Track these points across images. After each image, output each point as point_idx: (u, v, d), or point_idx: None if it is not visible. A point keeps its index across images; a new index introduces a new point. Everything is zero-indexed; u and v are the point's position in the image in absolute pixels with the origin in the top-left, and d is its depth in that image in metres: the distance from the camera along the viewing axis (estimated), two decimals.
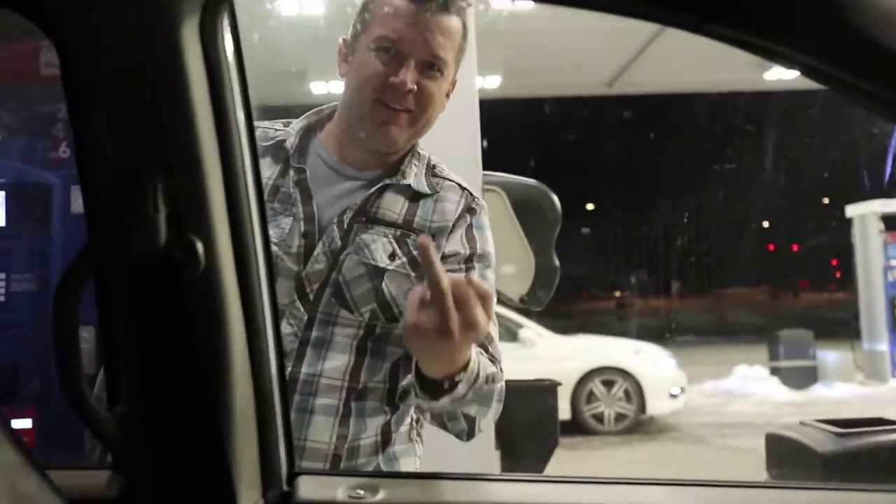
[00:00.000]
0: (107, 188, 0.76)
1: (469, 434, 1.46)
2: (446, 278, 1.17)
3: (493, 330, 1.53)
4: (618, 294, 25.19)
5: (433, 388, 1.34)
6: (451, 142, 1.78)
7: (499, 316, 1.52)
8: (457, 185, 1.59)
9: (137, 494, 0.83)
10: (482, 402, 1.40)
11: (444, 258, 1.52)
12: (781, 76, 11.46)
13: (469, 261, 1.52)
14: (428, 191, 1.56)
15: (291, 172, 1.54)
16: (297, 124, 1.59)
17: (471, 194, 1.58)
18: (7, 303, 2.30)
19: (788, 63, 0.74)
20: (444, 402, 1.34)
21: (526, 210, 2.62)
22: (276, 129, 1.59)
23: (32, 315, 2.30)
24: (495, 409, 1.46)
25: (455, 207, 1.55)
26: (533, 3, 8.84)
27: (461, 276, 1.49)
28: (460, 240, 1.53)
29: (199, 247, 0.76)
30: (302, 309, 1.48)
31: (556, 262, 2.69)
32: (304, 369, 1.47)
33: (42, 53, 2.47)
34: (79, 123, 0.77)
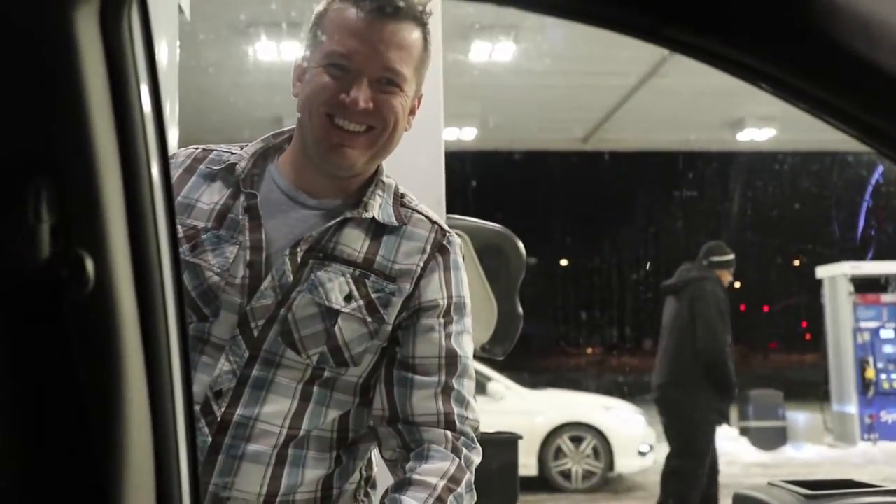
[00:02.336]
0: None
1: None
2: None
3: (474, 404, 1.44)
4: (589, 350, 25.14)
5: None
6: (414, 181, 1.68)
7: None
8: (426, 219, 1.46)
9: None
10: None
11: (420, 309, 1.41)
12: (754, 137, 11.57)
13: (447, 313, 1.42)
14: (395, 222, 1.44)
15: (241, 197, 1.42)
16: (251, 147, 1.48)
17: (441, 230, 1.46)
18: None
19: (752, 77, 0.66)
20: None
21: (490, 256, 2.54)
22: (231, 153, 1.47)
23: None
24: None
25: (423, 247, 1.43)
26: (508, 57, 8.90)
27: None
28: (439, 287, 1.42)
29: (90, 263, 0.66)
30: (244, 345, 1.36)
31: (520, 311, 2.60)
32: (239, 411, 1.35)
33: None
34: None
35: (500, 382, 9.19)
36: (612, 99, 10.38)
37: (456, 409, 1.40)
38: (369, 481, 1.51)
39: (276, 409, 1.36)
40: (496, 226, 2.68)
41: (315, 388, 1.39)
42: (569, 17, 0.70)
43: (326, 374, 1.39)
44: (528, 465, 8.50)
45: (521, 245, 2.65)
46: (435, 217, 1.49)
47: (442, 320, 1.41)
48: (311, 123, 1.40)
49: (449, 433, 1.38)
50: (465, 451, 1.38)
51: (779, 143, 12.29)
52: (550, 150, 14.28)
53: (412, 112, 1.47)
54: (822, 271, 12.64)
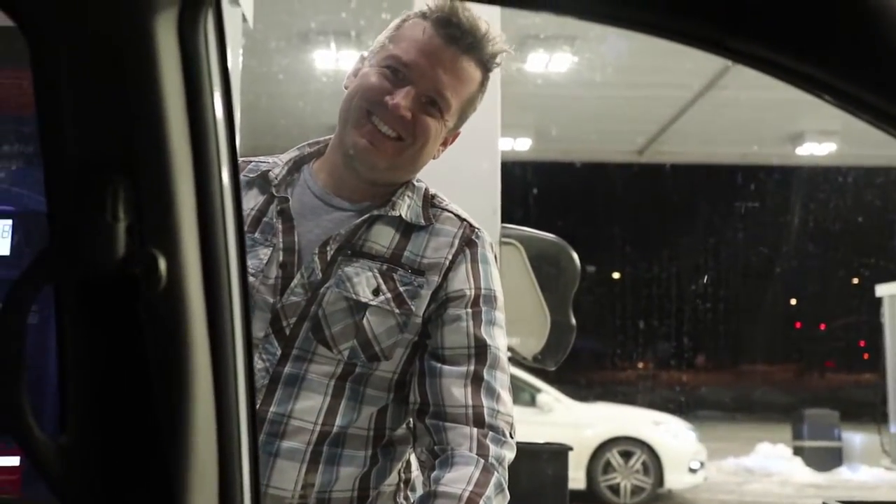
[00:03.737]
0: (67, 192, 0.69)
1: None
2: None
3: (507, 398, 1.44)
4: (641, 364, 24.93)
5: None
6: (470, 190, 1.70)
7: (516, 379, 1.46)
8: (455, 217, 1.49)
9: None
10: None
11: (447, 300, 1.43)
12: (814, 151, 11.40)
13: (475, 303, 1.43)
14: (422, 222, 1.46)
15: (275, 202, 1.46)
16: (286, 155, 1.52)
17: (470, 226, 1.48)
18: None
19: (817, 88, 0.66)
20: None
21: (544, 265, 2.54)
22: (267, 162, 1.52)
23: (31, 347, 2.21)
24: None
25: (451, 241, 1.45)
26: (565, 67, 8.88)
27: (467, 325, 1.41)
28: (466, 278, 1.44)
29: (162, 262, 0.68)
30: (276, 343, 1.39)
31: (573, 321, 2.59)
32: (272, 408, 1.38)
33: None
34: (45, 118, 0.70)
35: (549, 394, 9.15)
36: (670, 111, 10.31)
37: (485, 402, 1.40)
38: (409, 484, 1.53)
39: (308, 406, 1.38)
40: (551, 236, 2.68)
41: (347, 384, 1.41)
42: (633, 28, 0.70)
43: (358, 369, 1.41)
44: (576, 478, 8.45)
45: (575, 256, 2.64)
46: (464, 215, 1.51)
47: (469, 310, 1.42)
48: (348, 116, 1.44)
49: (475, 430, 1.37)
50: (493, 447, 1.37)
51: (839, 157, 12.09)
52: (606, 162, 14.20)
53: (444, 144, 1.50)
54: (882, 289, 12.38)
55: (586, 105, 10.09)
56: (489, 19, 1.43)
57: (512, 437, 1.41)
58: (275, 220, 1.45)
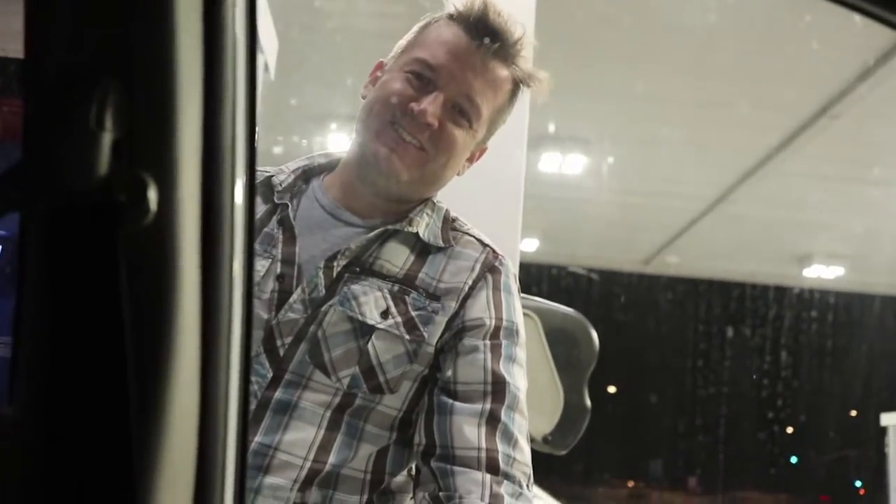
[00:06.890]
0: (46, 101, 0.57)
1: None
2: None
3: (525, 445, 1.28)
4: (631, 483, 24.43)
5: None
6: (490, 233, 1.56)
7: None
8: (477, 241, 1.36)
9: None
10: None
11: (463, 329, 1.29)
12: (821, 274, 11.31)
13: (495, 335, 1.28)
14: (440, 243, 1.33)
15: (277, 210, 1.33)
16: (294, 163, 1.40)
17: (493, 252, 1.35)
18: None
19: None
20: None
21: (560, 341, 2.39)
22: (270, 171, 1.39)
23: None
24: None
25: (472, 266, 1.32)
26: (578, 169, 8.87)
27: (485, 357, 1.27)
28: (486, 305, 1.29)
29: (152, 190, 0.55)
30: (267, 364, 1.24)
31: (588, 403, 2.42)
32: (258, 438, 1.21)
33: None
34: (32, 15, 0.58)
35: (541, 500, 8.84)
36: (678, 222, 10.26)
37: (501, 446, 1.24)
38: None
39: (299, 438, 1.22)
40: (569, 310, 2.53)
41: (345, 417, 1.25)
42: None
43: (358, 401, 1.26)
44: None
45: (594, 333, 2.49)
46: (487, 241, 1.38)
47: (488, 342, 1.28)
48: (368, 126, 1.32)
49: (488, 477, 1.21)
50: (508, 499, 1.20)
51: (847, 282, 11.99)
52: (610, 270, 14.13)
53: (470, 159, 1.39)
54: (887, 418, 12.10)
55: (595, 209, 10.06)
56: (525, 24, 1.33)
57: (529, 490, 1.24)
58: (275, 230, 1.31)
